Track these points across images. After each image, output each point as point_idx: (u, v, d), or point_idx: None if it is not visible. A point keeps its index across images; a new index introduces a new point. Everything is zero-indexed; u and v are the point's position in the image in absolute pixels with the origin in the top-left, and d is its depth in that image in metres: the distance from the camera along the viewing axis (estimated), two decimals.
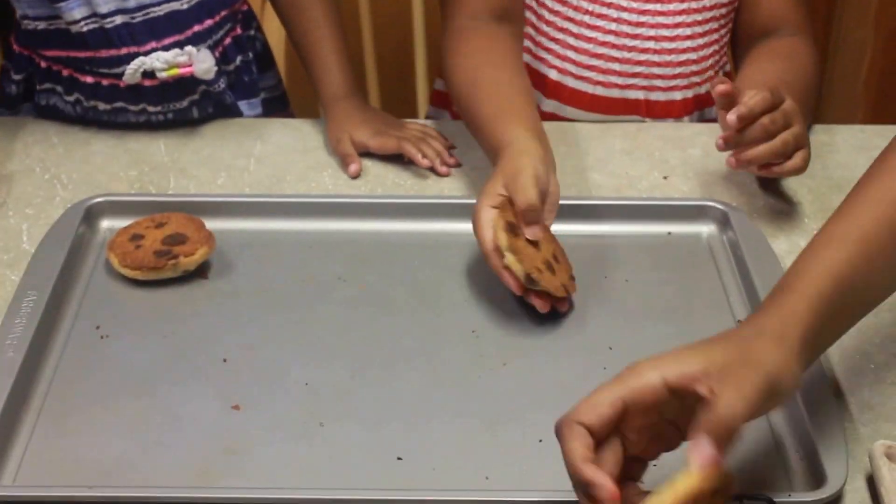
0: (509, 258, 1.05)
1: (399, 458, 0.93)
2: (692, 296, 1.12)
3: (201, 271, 1.14)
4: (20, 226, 1.22)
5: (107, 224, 1.21)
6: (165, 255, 1.12)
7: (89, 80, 1.42)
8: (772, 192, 1.28)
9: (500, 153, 1.14)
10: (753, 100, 1.13)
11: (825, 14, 2.43)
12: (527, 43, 1.44)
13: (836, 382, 1.01)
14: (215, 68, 1.42)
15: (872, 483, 0.90)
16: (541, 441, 0.94)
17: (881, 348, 1.05)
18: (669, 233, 1.20)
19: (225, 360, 1.04)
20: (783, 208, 1.25)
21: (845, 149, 1.37)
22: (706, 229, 1.20)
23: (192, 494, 0.89)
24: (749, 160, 1.16)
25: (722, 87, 1.13)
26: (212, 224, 1.17)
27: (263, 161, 1.34)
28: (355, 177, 1.32)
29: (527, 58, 1.44)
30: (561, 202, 1.13)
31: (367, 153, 1.35)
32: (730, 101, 1.14)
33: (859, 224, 0.89)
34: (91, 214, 1.21)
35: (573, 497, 0.79)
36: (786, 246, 1.19)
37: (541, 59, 1.44)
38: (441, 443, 0.95)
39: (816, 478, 0.90)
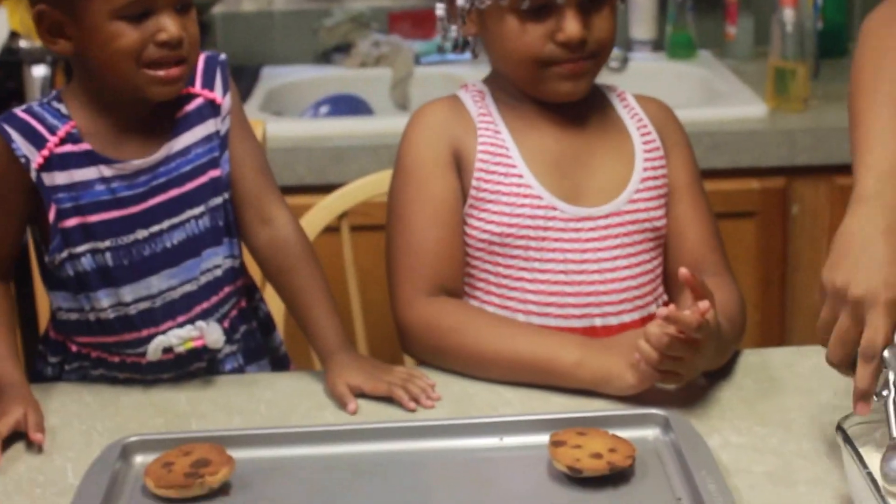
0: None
1: None
2: (640, 483, 1.32)
3: (224, 490, 1.33)
4: (65, 465, 1.41)
5: (140, 459, 1.39)
6: (193, 475, 1.31)
7: (115, 359, 1.63)
8: (706, 399, 1.48)
9: None
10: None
11: (779, 279, 2.60)
12: (492, 297, 1.66)
13: None
14: (223, 338, 1.64)
15: None
16: None
17: None
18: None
19: None
20: (715, 412, 1.46)
21: (773, 366, 1.58)
22: (651, 433, 1.40)
23: None
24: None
25: (663, 310, 1.40)
26: (230, 453, 1.36)
27: (272, 405, 1.54)
28: (353, 414, 1.50)
29: (495, 308, 1.66)
30: (528, 418, 1.34)
31: (361, 395, 1.53)
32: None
33: None
34: (126, 451, 1.39)
35: None
36: (718, 441, 1.39)
37: (507, 308, 1.65)
38: None
39: None
